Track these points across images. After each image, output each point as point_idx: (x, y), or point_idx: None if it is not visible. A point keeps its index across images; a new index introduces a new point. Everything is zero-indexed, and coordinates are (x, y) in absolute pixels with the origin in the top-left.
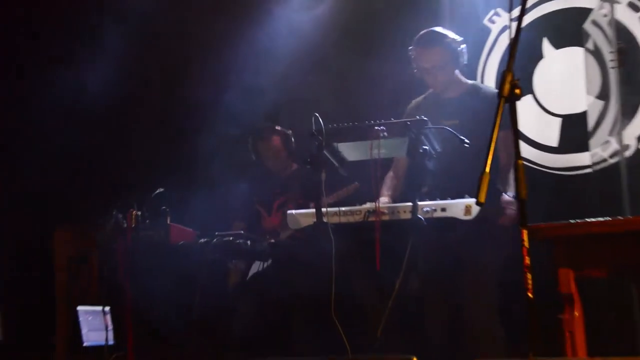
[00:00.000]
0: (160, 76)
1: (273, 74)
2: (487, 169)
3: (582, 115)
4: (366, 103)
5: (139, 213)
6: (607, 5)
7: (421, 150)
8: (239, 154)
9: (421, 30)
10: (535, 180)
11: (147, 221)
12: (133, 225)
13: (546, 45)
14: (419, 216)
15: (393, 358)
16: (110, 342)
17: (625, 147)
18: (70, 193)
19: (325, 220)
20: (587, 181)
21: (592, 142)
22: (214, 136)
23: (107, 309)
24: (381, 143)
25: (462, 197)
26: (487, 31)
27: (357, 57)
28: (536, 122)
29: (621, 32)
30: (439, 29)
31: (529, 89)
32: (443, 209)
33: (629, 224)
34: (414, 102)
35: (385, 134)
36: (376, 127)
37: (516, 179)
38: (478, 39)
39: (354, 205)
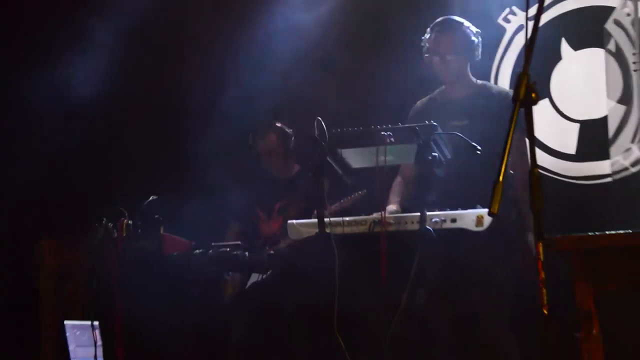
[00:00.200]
0: (153, 77)
1: (273, 75)
2: (501, 178)
3: (602, 121)
4: (372, 106)
5: (131, 222)
6: (630, 4)
7: (430, 157)
8: (239, 156)
9: (429, 24)
10: (551, 189)
11: (139, 231)
12: (124, 235)
13: (564, 46)
14: (428, 227)
15: None
16: (100, 359)
17: None
18: (57, 200)
19: (328, 230)
20: (606, 191)
21: (613, 149)
22: (211, 140)
23: (96, 323)
24: (388, 149)
25: (474, 207)
26: (502, 31)
27: (363, 57)
28: (553, 128)
29: None
30: (456, 17)
31: (545, 93)
32: (453, 220)
33: None
34: (419, 102)
35: (392, 139)
36: (383, 133)
37: (532, 189)
38: (492, 39)
39: (360, 214)
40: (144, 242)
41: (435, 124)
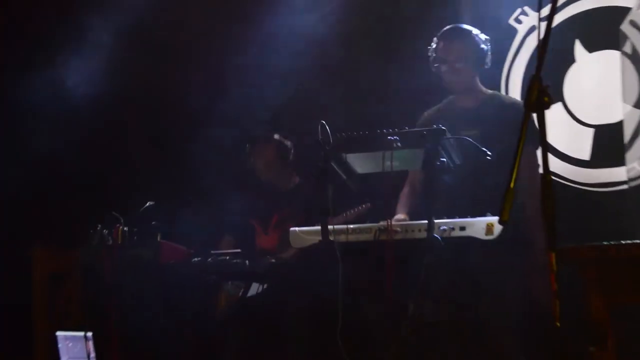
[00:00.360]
0: (152, 81)
1: (275, 77)
2: (512, 185)
3: (618, 126)
4: (378, 110)
5: (126, 229)
6: None
7: (438, 163)
8: (237, 163)
9: (439, 29)
10: (564, 197)
11: (135, 238)
12: (120, 243)
13: (578, 48)
14: (435, 235)
15: None
16: None
17: None
18: (50, 206)
19: (331, 238)
20: (622, 199)
21: (629, 155)
22: (209, 145)
23: (89, 334)
24: (395, 154)
25: (484, 214)
26: (513, 32)
27: (369, 60)
28: (566, 133)
29: None
30: (465, 25)
31: (559, 97)
32: (462, 228)
33: None
34: (426, 113)
35: (399, 144)
36: (389, 137)
37: (543, 196)
38: (503, 41)
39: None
40: (140, 250)
41: (443, 128)
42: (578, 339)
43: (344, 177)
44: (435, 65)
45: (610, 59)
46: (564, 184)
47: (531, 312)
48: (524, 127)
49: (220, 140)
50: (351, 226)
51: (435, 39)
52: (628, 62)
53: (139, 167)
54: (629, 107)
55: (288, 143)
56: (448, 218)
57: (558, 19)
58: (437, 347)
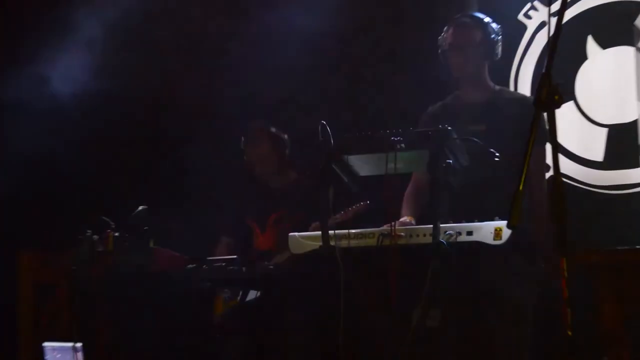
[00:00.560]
0: (144, 83)
1: (274, 75)
2: (521, 187)
3: (632, 125)
4: (381, 110)
5: (117, 234)
6: None
7: (444, 165)
8: (232, 162)
9: (445, 25)
10: (576, 199)
11: (127, 244)
12: (110, 249)
13: (591, 45)
14: (441, 240)
15: None
16: None
17: None
18: (38, 210)
19: (332, 243)
20: (636, 201)
21: None
22: (203, 147)
23: (78, 345)
24: (398, 156)
25: (492, 218)
26: (523, 28)
27: (372, 58)
28: (579, 133)
29: None
30: (476, 13)
31: (570, 95)
32: (469, 232)
33: None
34: (430, 107)
35: (403, 145)
36: (392, 138)
37: (554, 199)
38: (512, 37)
39: (365, 227)
40: (132, 256)
41: (449, 128)
42: (591, 349)
43: (345, 179)
44: (445, 51)
45: (624, 55)
46: (575, 186)
47: (542, 320)
48: (533, 126)
49: (214, 141)
50: (353, 231)
51: (445, 28)
52: None
53: (130, 170)
54: None
55: (285, 137)
56: (454, 222)
57: (569, 14)
58: (444, 356)
